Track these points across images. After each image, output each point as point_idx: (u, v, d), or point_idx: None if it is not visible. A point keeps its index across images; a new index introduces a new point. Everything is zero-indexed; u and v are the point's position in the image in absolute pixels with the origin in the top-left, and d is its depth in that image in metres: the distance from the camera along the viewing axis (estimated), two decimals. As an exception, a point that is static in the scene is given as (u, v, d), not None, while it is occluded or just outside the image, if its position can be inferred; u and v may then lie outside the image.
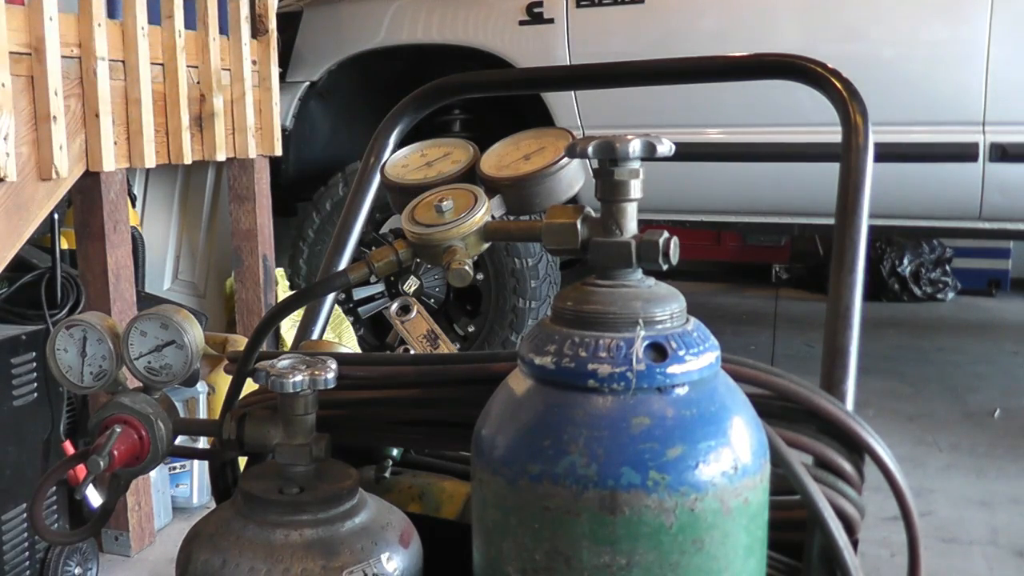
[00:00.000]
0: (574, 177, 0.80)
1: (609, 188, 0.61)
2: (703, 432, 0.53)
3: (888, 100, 3.03)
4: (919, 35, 3.18)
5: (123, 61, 2.33)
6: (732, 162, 3.43)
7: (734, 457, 0.53)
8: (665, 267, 0.61)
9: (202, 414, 2.61)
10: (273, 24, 3.00)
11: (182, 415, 0.78)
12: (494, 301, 3.60)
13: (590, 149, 0.60)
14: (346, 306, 3.74)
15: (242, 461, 0.81)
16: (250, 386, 0.77)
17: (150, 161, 2.39)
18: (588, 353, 0.54)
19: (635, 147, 0.59)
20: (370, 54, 3.64)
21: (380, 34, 3.61)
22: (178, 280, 3.60)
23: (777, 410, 0.68)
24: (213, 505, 0.75)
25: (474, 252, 0.76)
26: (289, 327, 2.68)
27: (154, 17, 2.44)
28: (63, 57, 2.10)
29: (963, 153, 3.13)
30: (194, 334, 0.75)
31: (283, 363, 0.68)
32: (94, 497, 2.05)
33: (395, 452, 0.90)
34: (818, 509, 0.63)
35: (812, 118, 2.81)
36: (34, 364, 2.13)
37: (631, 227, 0.61)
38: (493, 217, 0.77)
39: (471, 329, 3.72)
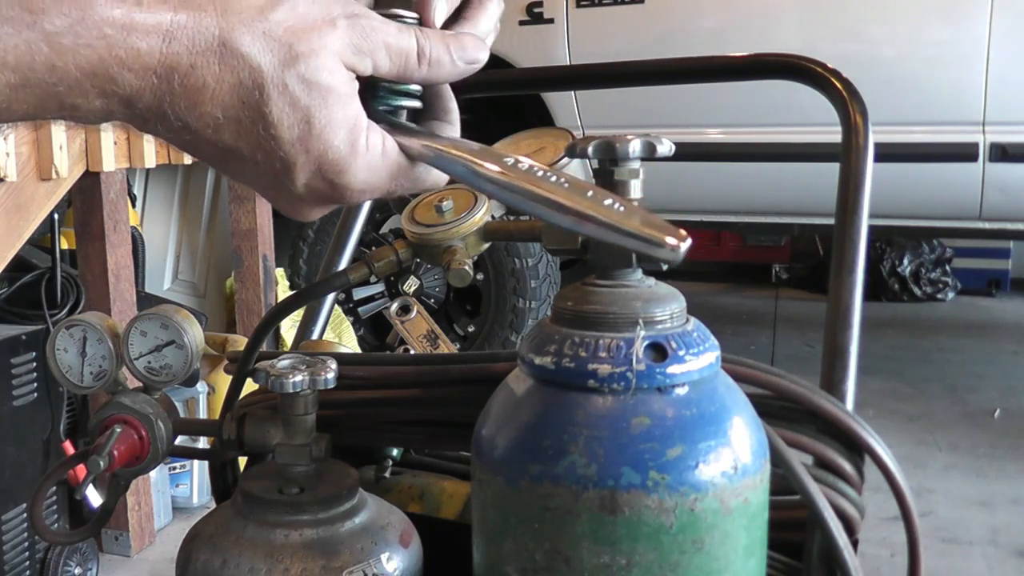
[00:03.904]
0: (574, 177, 0.80)
1: (609, 188, 0.61)
2: (703, 432, 0.53)
3: (888, 100, 3.03)
4: (919, 35, 3.18)
5: (123, 61, 2.33)
6: (732, 162, 3.44)
7: (734, 457, 0.53)
8: (665, 267, 0.61)
9: (202, 414, 2.61)
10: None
11: (182, 415, 0.78)
12: (494, 301, 3.60)
13: (590, 149, 0.60)
14: (346, 306, 3.74)
15: (242, 461, 0.81)
16: (250, 386, 0.77)
17: (150, 161, 2.39)
18: (588, 353, 0.54)
19: (635, 147, 0.59)
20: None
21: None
22: (178, 280, 3.60)
23: (777, 410, 0.68)
24: (213, 505, 0.75)
25: (474, 252, 0.75)
26: (289, 327, 2.68)
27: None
28: (63, 57, 2.10)
29: (963, 153, 3.14)
30: (194, 334, 0.75)
31: (283, 363, 0.68)
32: (94, 497, 2.05)
33: (395, 452, 0.90)
34: (818, 509, 0.63)
35: (812, 118, 2.81)
36: (34, 364, 2.13)
37: (631, 227, 0.61)
38: (493, 217, 0.77)
39: (471, 329, 3.72)
